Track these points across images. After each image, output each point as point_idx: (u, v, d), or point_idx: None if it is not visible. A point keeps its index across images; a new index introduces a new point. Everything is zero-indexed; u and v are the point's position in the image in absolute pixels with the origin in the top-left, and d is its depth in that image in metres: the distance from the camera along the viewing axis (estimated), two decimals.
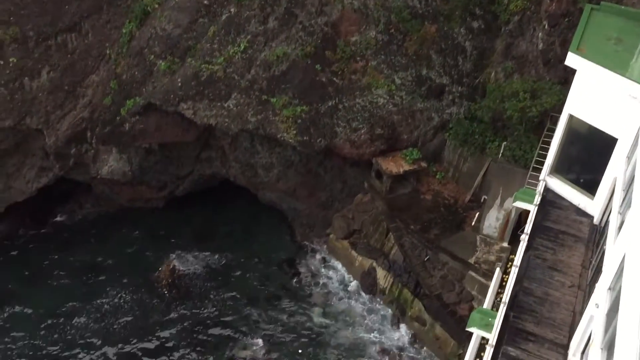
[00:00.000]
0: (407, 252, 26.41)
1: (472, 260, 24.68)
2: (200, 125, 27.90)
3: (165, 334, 26.11)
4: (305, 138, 27.05)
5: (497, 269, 21.29)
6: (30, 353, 24.83)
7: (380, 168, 27.62)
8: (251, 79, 26.72)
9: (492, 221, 25.13)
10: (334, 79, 27.16)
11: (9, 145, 28.21)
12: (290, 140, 27.07)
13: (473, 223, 26.16)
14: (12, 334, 25.49)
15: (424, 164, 27.98)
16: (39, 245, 29.94)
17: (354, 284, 29.09)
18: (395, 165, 27.58)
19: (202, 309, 27.47)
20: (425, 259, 25.90)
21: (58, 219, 31.79)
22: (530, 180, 22.43)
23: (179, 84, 26.69)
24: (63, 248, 29.76)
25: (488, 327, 16.85)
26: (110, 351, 25.08)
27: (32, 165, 29.14)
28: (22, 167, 29.10)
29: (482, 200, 26.70)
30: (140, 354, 25.12)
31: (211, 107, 27.06)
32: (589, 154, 20.86)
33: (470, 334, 17.97)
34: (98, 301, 27.20)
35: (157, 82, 27.07)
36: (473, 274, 24.55)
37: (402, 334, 26.69)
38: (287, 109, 26.82)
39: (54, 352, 24.89)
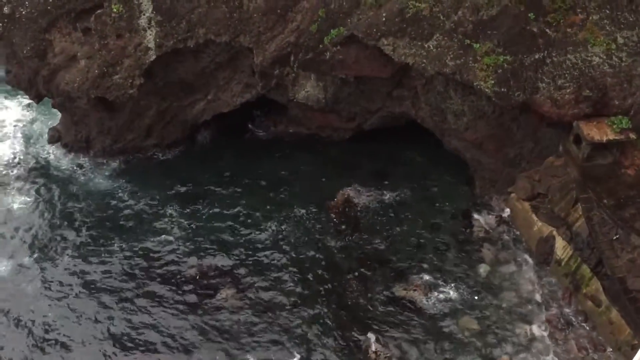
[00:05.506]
0: (595, 226, 24.53)
1: None
2: (397, 63, 27.78)
3: (333, 257, 27.45)
4: (503, 89, 25.77)
5: None
6: (222, 247, 27.72)
7: (581, 133, 25.51)
8: (457, 21, 25.82)
9: None
10: (547, 30, 25.19)
11: (223, 59, 30.75)
12: (486, 90, 25.99)
13: None
14: (208, 226, 28.60)
15: (632, 135, 25.26)
16: (234, 152, 32.93)
17: (527, 248, 27.93)
18: (598, 131, 25.29)
19: (370, 242, 28.26)
20: (614, 237, 23.90)
21: (256, 133, 34.75)
22: None
23: (383, 19, 26.63)
24: (255, 158, 32.53)
25: None
26: (286, 261, 27.23)
27: (239, 80, 31.57)
28: (230, 82, 31.69)
29: None
30: (308, 270, 26.94)
31: (411, 45, 26.76)
32: None
33: None
34: (283, 213, 29.41)
35: (363, 15, 27.27)
36: None
37: (572, 310, 25.30)
38: (489, 56, 25.64)
39: (243, 250, 27.69)
